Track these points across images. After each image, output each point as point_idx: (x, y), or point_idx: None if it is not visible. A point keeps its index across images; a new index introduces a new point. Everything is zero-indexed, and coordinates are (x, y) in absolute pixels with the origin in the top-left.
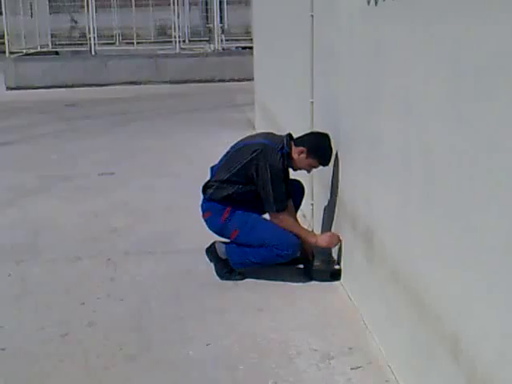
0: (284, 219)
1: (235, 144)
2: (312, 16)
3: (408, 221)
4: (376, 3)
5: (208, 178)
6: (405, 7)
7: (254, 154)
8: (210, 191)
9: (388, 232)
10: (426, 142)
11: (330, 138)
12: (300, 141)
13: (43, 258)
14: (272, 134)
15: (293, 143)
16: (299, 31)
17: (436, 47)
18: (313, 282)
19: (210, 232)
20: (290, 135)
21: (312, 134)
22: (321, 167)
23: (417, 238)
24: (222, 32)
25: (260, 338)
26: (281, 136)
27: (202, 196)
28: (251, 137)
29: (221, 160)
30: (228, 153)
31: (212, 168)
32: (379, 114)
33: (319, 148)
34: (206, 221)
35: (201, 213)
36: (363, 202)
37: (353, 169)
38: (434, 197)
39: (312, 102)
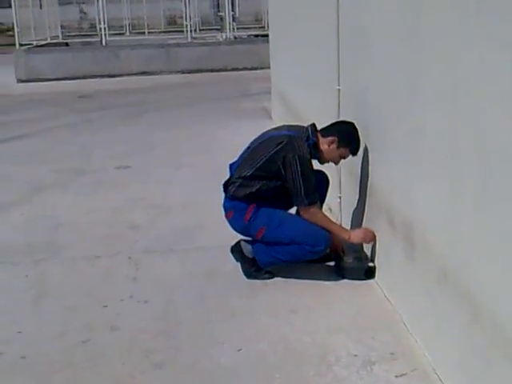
0: (316, 213)
1: (256, 138)
2: None
3: (459, 216)
4: None
5: (227, 175)
6: None
7: (280, 145)
8: (232, 189)
9: (434, 228)
10: (480, 130)
11: (357, 126)
12: (328, 131)
13: (61, 258)
14: (295, 125)
15: (319, 134)
16: (322, 13)
17: (492, 24)
18: (345, 281)
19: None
20: (314, 125)
21: (339, 122)
22: (349, 157)
23: (469, 235)
24: (233, 20)
25: (294, 342)
26: (304, 127)
27: (223, 194)
28: (273, 129)
29: (241, 156)
30: (249, 148)
31: (231, 165)
32: (421, 100)
33: (351, 136)
34: (229, 221)
35: (223, 212)
36: (402, 195)
37: (388, 159)
38: (490, 190)
39: (339, 90)
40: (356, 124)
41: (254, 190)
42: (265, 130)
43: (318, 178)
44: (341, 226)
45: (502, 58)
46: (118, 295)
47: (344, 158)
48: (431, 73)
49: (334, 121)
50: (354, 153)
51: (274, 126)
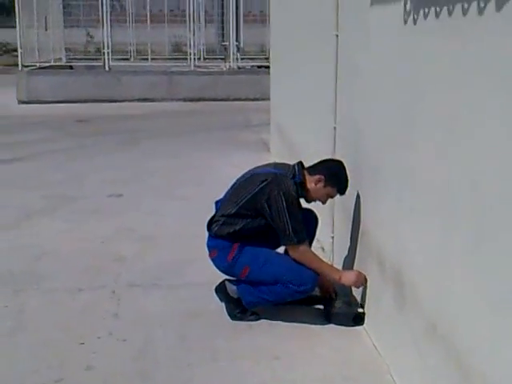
0: (305, 251)
1: (242, 175)
2: (337, 36)
3: (450, 267)
4: (415, 22)
5: (213, 213)
6: (450, 26)
7: (264, 183)
8: (215, 227)
9: (424, 278)
10: (475, 179)
11: (346, 165)
12: (315, 169)
13: (43, 289)
14: (281, 163)
15: (306, 172)
16: (321, 52)
17: (490, 68)
18: (334, 326)
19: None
20: (301, 163)
21: (327, 160)
22: (337, 197)
23: (461, 289)
24: (238, 50)
25: None
26: (290, 165)
27: (206, 233)
28: (259, 167)
29: (226, 193)
30: (234, 185)
31: (217, 202)
32: (414, 143)
33: (338, 175)
34: (213, 260)
35: (207, 251)
36: (392, 240)
37: (379, 200)
38: (484, 242)
39: (335, 128)
40: (348, 163)
41: (237, 228)
42: (251, 168)
43: (307, 216)
44: (332, 265)
45: (495, 100)
46: (96, 332)
47: (331, 197)
48: (425, 114)
49: (323, 158)
50: (342, 192)
51: (261, 164)
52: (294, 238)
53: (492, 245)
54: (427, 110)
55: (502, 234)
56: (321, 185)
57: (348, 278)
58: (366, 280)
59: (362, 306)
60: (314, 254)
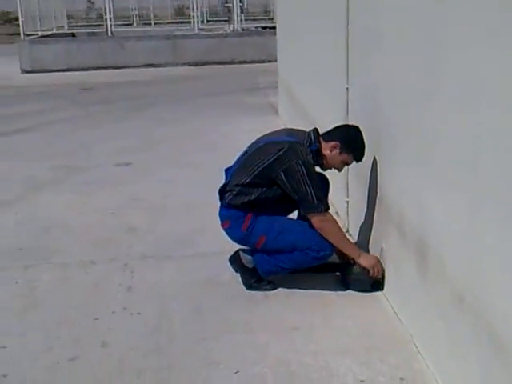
0: (332, 220)
1: (254, 142)
2: None
3: (478, 237)
4: None
5: (223, 181)
6: None
7: (281, 152)
8: (229, 197)
9: (450, 245)
10: (502, 137)
11: (362, 131)
12: (330, 135)
13: (54, 263)
14: (295, 129)
15: (321, 139)
16: (331, 6)
17: None
18: (352, 292)
19: None
20: (316, 130)
21: (342, 126)
22: (354, 163)
23: (491, 255)
24: (241, 12)
25: (296, 364)
26: (305, 132)
27: (218, 202)
28: (272, 134)
29: (238, 160)
30: (246, 152)
31: (227, 170)
32: (435, 105)
33: (354, 142)
34: (226, 230)
35: (219, 221)
36: (414, 206)
37: (399, 166)
38: None
39: (347, 88)
40: (363, 126)
41: (252, 198)
42: (262, 134)
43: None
44: (352, 242)
45: None
46: (110, 306)
47: (347, 164)
48: (447, 75)
49: (339, 123)
50: (358, 159)
51: (270, 129)
52: (321, 205)
53: None
54: (453, 66)
55: None
56: (336, 152)
57: (366, 259)
58: (383, 269)
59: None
60: (339, 225)
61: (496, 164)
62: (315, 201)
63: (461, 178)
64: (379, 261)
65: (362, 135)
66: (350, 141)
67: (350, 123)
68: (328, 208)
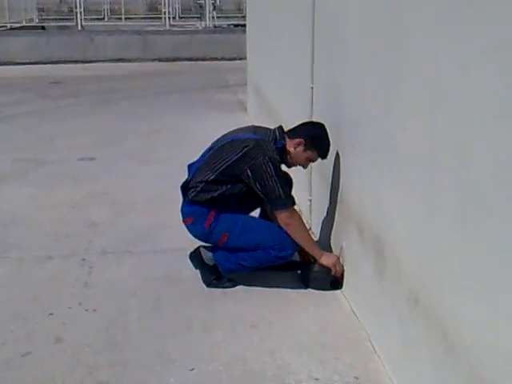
0: (299, 217)
1: (219, 139)
2: None
3: (434, 238)
4: None
5: (186, 177)
6: None
7: (247, 149)
8: (192, 193)
9: (404, 245)
10: (460, 136)
11: (327, 128)
12: (295, 132)
13: (11, 257)
14: (260, 127)
15: (286, 136)
16: (298, 6)
17: (482, 24)
18: (311, 291)
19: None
20: (281, 128)
21: (307, 123)
22: (319, 160)
23: (444, 257)
24: (214, 9)
25: (252, 362)
26: (270, 129)
27: (181, 198)
28: (237, 131)
29: (202, 157)
30: (211, 149)
31: (190, 166)
32: (396, 103)
33: (318, 138)
34: (187, 227)
35: (181, 218)
36: (372, 206)
37: (359, 166)
38: (469, 211)
39: (312, 88)
40: (327, 125)
41: (215, 194)
42: (228, 131)
43: None
44: (315, 242)
45: (487, 64)
46: (66, 302)
47: (312, 161)
48: (410, 76)
49: (303, 121)
50: (323, 156)
51: (237, 126)
52: (289, 201)
53: (479, 214)
54: (411, 69)
55: (489, 203)
56: (301, 148)
57: (329, 259)
58: (342, 269)
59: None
60: (304, 223)
61: (451, 164)
62: (283, 197)
63: (416, 177)
64: (339, 260)
65: (326, 132)
66: (315, 138)
67: (315, 120)
68: (295, 203)
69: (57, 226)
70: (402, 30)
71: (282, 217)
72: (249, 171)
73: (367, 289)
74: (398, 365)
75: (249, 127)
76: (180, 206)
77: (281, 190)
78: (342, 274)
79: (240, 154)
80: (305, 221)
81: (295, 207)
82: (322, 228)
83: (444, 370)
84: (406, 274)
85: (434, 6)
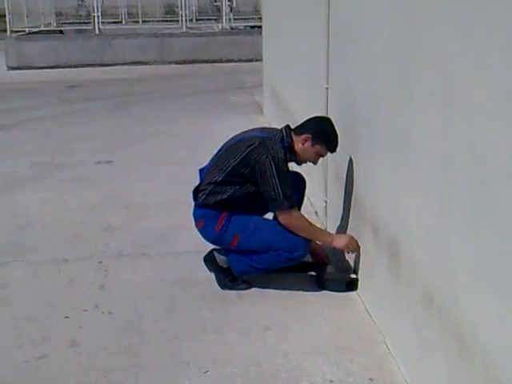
0: (298, 217)
1: (227, 141)
2: None
3: (448, 239)
4: None
5: (198, 181)
6: None
7: (251, 147)
8: (202, 197)
9: (420, 246)
10: (474, 139)
11: (334, 122)
12: (301, 128)
13: (28, 260)
14: (268, 127)
15: (293, 133)
16: (313, 8)
17: (495, 23)
18: (325, 292)
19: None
20: (288, 126)
21: (313, 118)
22: (330, 160)
23: (459, 257)
24: (231, 10)
25: (266, 364)
26: (277, 129)
27: (192, 202)
28: (245, 132)
29: (211, 160)
30: (219, 151)
31: (201, 170)
32: (411, 105)
33: (325, 132)
34: (200, 231)
35: (193, 222)
36: (387, 207)
37: (374, 166)
38: (484, 211)
39: (327, 88)
40: (341, 127)
41: (225, 196)
42: (236, 133)
43: (294, 180)
44: (323, 229)
45: (500, 63)
46: (82, 305)
47: (322, 155)
48: (423, 76)
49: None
50: (332, 150)
51: (246, 129)
52: (286, 203)
53: (493, 214)
54: (425, 69)
55: (503, 203)
56: (308, 144)
57: (340, 240)
58: (358, 246)
59: (356, 272)
60: (306, 219)
61: (465, 164)
62: (281, 198)
63: (431, 177)
64: (352, 237)
65: (333, 125)
66: (321, 131)
67: (321, 115)
68: (294, 206)
69: (73, 229)
70: (416, 30)
71: (280, 218)
72: (254, 170)
73: (382, 290)
74: (413, 366)
75: (256, 128)
76: (192, 210)
77: (279, 190)
78: (356, 280)
79: (245, 153)
80: (320, 222)
81: (297, 209)
82: (337, 230)
83: (459, 372)
84: (420, 274)
85: (447, 6)
